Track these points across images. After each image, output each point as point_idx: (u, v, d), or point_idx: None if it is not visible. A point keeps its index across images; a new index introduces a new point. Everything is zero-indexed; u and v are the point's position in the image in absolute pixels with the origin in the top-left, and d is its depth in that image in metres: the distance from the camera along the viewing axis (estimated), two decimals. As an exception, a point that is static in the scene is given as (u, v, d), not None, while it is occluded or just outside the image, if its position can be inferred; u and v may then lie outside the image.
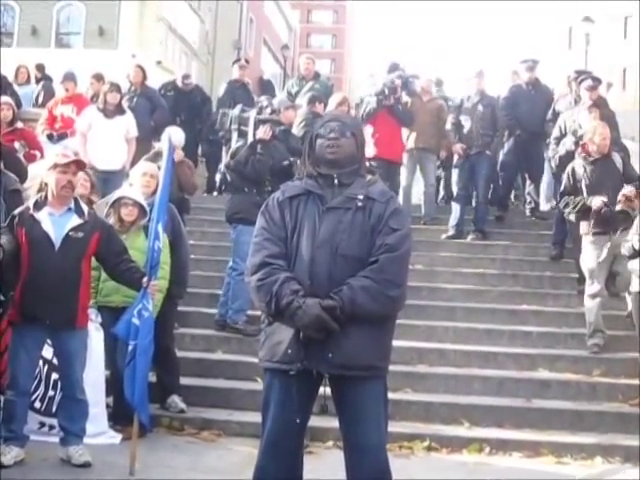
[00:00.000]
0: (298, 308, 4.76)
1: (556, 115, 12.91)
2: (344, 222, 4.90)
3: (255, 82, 18.99)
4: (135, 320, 6.88)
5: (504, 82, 14.94)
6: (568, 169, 10.14)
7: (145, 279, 6.94)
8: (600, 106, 11.53)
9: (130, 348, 6.91)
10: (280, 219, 4.99)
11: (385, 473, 4.96)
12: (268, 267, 4.89)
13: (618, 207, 9.35)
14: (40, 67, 17.08)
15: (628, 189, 9.39)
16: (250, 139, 10.47)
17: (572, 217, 10.00)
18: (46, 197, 7.03)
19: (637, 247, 8.64)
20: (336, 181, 5.00)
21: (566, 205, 10.00)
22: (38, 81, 16.72)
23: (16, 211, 7.07)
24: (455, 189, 13.18)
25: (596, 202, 9.56)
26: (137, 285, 7.03)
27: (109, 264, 7.18)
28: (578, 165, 9.99)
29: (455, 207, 13.04)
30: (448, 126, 13.19)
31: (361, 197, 4.93)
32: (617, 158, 10.00)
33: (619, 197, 9.39)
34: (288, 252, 4.95)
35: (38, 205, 7.00)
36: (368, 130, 12.42)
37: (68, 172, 7.00)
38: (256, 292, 4.97)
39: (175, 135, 10.92)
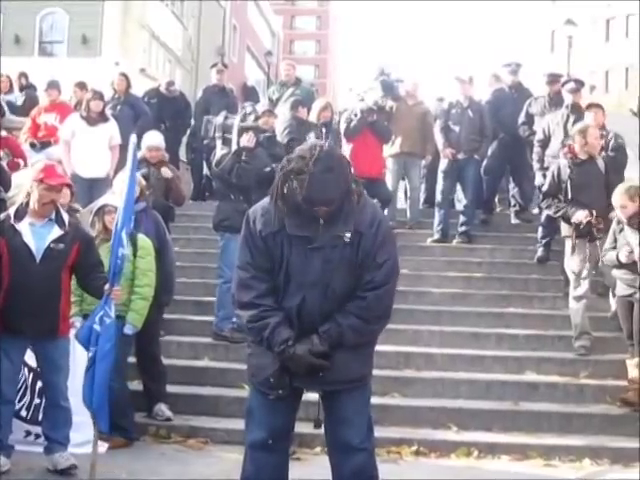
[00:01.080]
0: (289, 358, 4.80)
1: (529, 117, 12.98)
2: (333, 261, 4.83)
3: (239, 89, 18.98)
4: (96, 326, 6.80)
5: (487, 85, 14.89)
6: (553, 169, 10.16)
7: (107, 286, 6.88)
8: (579, 109, 11.62)
9: (90, 355, 6.84)
10: (264, 250, 4.88)
11: (368, 471, 5.00)
12: (257, 309, 4.88)
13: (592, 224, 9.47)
14: (24, 75, 17.02)
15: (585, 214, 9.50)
16: (234, 147, 10.44)
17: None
18: (27, 205, 6.99)
19: (623, 261, 8.64)
20: (321, 221, 4.80)
21: (549, 207, 10.03)
22: (22, 89, 16.66)
23: None
24: (439, 194, 13.16)
25: (578, 217, 9.61)
26: (99, 292, 6.97)
27: (80, 274, 7.14)
28: (563, 165, 10.00)
29: (439, 211, 13.04)
30: (437, 130, 13.19)
31: (348, 235, 4.80)
32: (600, 162, 10.02)
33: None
34: (276, 285, 4.91)
35: (19, 215, 6.97)
36: (348, 147, 12.52)
37: (53, 190, 6.98)
38: (246, 329, 5.05)
39: (154, 138, 10.91)
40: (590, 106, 11.23)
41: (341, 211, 4.78)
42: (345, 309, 4.84)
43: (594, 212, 9.50)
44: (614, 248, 8.85)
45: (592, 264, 9.54)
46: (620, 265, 8.71)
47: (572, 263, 9.73)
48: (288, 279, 4.88)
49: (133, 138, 7.17)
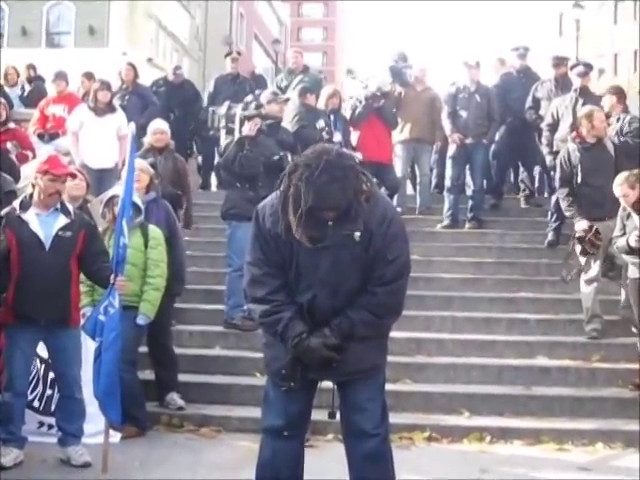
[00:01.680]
0: (303, 351, 4.82)
1: (536, 102, 12.95)
2: (343, 260, 4.84)
3: (247, 77, 18.92)
4: (101, 317, 6.83)
5: (492, 70, 14.84)
6: (563, 154, 10.15)
7: (112, 276, 6.89)
8: (587, 93, 11.61)
9: (96, 345, 6.87)
10: (275, 247, 4.89)
11: (383, 456, 5.04)
12: (270, 304, 4.90)
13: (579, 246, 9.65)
14: (32, 67, 17.00)
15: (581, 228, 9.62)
16: (237, 136, 10.43)
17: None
18: (31, 196, 7.01)
19: (633, 245, 8.62)
20: (330, 223, 4.76)
21: (564, 200, 10.06)
22: (30, 81, 16.65)
23: (2, 212, 7.05)
24: (448, 179, 13.15)
25: (578, 227, 9.70)
26: (106, 283, 6.99)
27: (85, 262, 7.12)
28: (572, 150, 10.00)
29: (448, 197, 13.03)
30: (444, 115, 13.16)
31: (358, 234, 4.77)
32: (609, 144, 10.01)
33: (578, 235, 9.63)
34: (288, 281, 4.93)
35: (24, 206, 6.99)
36: (355, 134, 12.54)
37: (57, 181, 6.99)
38: (259, 323, 5.10)
39: (158, 122, 10.91)
40: (607, 92, 11.25)
41: (349, 212, 4.73)
42: (356, 303, 4.86)
43: (594, 227, 9.56)
44: (623, 234, 8.83)
45: (603, 247, 9.53)
46: (631, 250, 8.70)
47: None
48: (299, 277, 4.90)
49: (132, 127, 7.16)
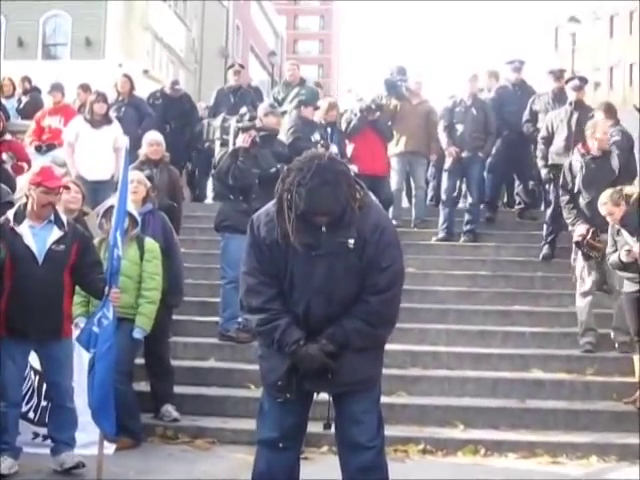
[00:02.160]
0: (301, 357, 4.83)
1: (533, 114, 12.98)
2: (337, 268, 4.87)
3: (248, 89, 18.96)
4: (95, 328, 6.84)
5: (483, 83, 14.83)
6: (566, 164, 10.25)
7: (107, 288, 6.90)
8: (583, 106, 11.67)
9: (90, 357, 6.89)
10: (270, 257, 4.93)
11: (379, 468, 5.04)
12: (266, 313, 4.92)
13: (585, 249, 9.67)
14: (27, 79, 17.01)
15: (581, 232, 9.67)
16: (231, 147, 10.45)
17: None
18: (25, 207, 7.01)
19: (624, 260, 8.64)
20: (324, 229, 4.83)
21: (565, 208, 10.13)
22: (26, 93, 16.67)
23: None
24: (443, 192, 13.17)
25: (577, 232, 9.76)
26: (100, 294, 7.00)
27: (78, 273, 7.12)
28: (575, 160, 10.07)
29: (443, 210, 13.05)
30: (441, 129, 13.18)
31: (352, 241, 4.82)
32: (615, 159, 10.08)
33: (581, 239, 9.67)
34: (282, 291, 4.95)
35: (18, 217, 6.99)
36: (350, 147, 12.56)
37: (51, 193, 6.99)
38: (256, 332, 5.13)
39: (153, 134, 10.92)
40: (597, 108, 11.33)
41: (342, 219, 4.79)
42: (350, 313, 4.88)
43: (592, 230, 9.60)
44: (615, 251, 8.86)
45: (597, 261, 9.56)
46: (624, 266, 8.71)
47: (577, 259, 9.78)
48: (292, 287, 4.92)
49: (126, 141, 7.19)
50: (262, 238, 4.91)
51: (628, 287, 8.86)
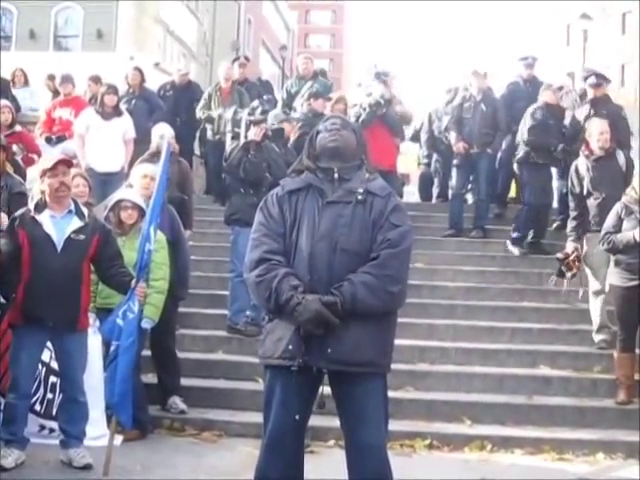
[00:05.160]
0: (298, 304, 4.79)
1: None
2: (344, 216, 4.93)
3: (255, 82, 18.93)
4: (119, 321, 6.87)
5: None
6: (572, 167, 10.22)
7: (134, 281, 6.92)
8: (605, 102, 11.72)
9: (112, 348, 6.90)
10: (279, 214, 5.01)
11: (385, 473, 4.98)
12: (267, 263, 4.92)
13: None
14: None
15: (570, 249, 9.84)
16: (242, 140, 10.44)
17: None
18: (45, 201, 7.02)
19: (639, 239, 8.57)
20: (336, 175, 5.03)
21: (571, 213, 10.22)
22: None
23: (17, 213, 7.08)
24: (452, 188, 13.16)
25: (568, 247, 9.91)
26: (125, 288, 7.00)
27: (101, 267, 7.16)
28: (581, 163, 10.04)
29: (452, 205, 13.04)
30: (449, 124, 13.16)
31: (361, 191, 4.97)
32: (621, 156, 10.04)
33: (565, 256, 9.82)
34: (287, 248, 4.97)
35: (39, 207, 7.01)
36: None
37: (58, 174, 7.00)
38: (255, 288, 4.99)
39: (164, 126, 10.88)
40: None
41: (354, 171, 5.08)
42: (359, 270, 4.87)
43: (576, 254, 9.77)
44: (616, 232, 8.73)
45: (607, 258, 9.51)
46: (633, 246, 8.58)
47: (588, 257, 9.76)
48: (299, 238, 4.95)
49: (168, 134, 7.14)
50: (275, 194, 5.10)
51: (624, 281, 8.74)
